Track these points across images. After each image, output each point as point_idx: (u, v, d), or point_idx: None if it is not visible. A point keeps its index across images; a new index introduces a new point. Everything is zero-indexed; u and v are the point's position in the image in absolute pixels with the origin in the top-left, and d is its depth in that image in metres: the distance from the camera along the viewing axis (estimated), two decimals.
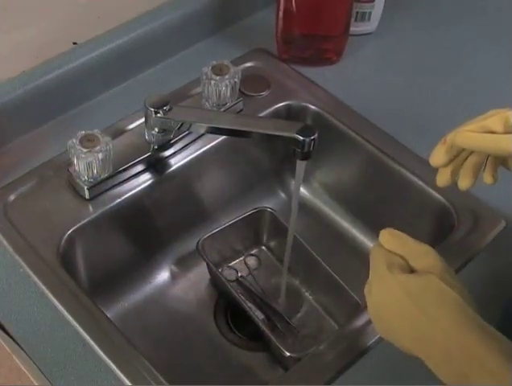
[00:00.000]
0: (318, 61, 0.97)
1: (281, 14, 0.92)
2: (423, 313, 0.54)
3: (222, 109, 0.86)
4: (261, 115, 0.89)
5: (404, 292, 0.55)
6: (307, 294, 0.88)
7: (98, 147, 0.75)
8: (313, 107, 0.91)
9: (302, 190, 0.96)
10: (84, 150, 0.74)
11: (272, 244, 0.93)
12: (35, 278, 0.72)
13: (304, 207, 0.95)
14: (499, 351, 0.50)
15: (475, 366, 0.51)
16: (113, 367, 0.65)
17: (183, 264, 0.90)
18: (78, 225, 0.77)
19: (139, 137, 0.81)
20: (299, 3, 0.90)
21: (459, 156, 0.66)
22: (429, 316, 0.54)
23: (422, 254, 0.58)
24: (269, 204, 0.92)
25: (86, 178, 0.77)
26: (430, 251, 0.58)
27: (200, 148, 0.86)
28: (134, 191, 0.81)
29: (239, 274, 0.90)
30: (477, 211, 0.80)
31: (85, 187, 0.77)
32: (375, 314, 0.59)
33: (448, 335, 0.52)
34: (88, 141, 0.75)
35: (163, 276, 0.89)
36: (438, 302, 0.54)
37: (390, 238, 0.60)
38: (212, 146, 0.86)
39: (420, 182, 0.83)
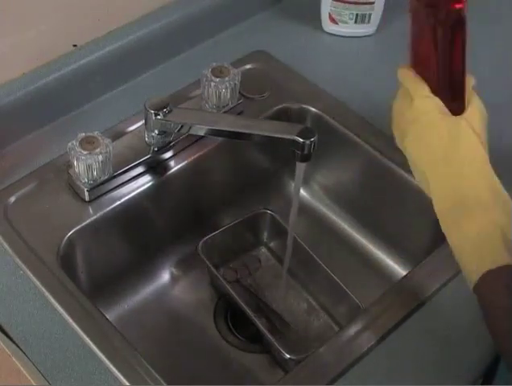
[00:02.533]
0: None
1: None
2: (456, 149, 0.60)
3: (222, 111, 0.86)
4: (261, 117, 0.89)
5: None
6: (307, 296, 0.88)
7: (98, 149, 0.75)
8: (313, 109, 0.91)
9: (302, 192, 0.96)
10: (84, 152, 0.74)
11: (272, 245, 0.93)
12: (35, 280, 0.72)
13: (304, 209, 0.95)
14: (502, 203, 0.58)
15: (473, 201, 0.58)
16: (113, 368, 0.65)
17: (183, 265, 0.90)
18: (78, 227, 0.77)
19: (139, 139, 0.82)
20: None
21: None
22: (460, 152, 0.60)
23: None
24: (269, 206, 0.92)
25: (86, 180, 0.77)
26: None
27: (200, 150, 0.86)
28: (133, 193, 0.81)
29: (239, 276, 0.90)
30: None
31: (85, 189, 0.77)
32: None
33: (466, 171, 0.59)
34: (88, 143, 0.75)
35: (163, 278, 0.89)
36: (470, 147, 0.60)
37: None
38: (212, 148, 0.86)
39: None
